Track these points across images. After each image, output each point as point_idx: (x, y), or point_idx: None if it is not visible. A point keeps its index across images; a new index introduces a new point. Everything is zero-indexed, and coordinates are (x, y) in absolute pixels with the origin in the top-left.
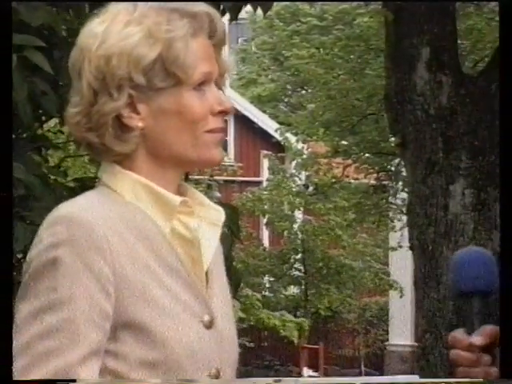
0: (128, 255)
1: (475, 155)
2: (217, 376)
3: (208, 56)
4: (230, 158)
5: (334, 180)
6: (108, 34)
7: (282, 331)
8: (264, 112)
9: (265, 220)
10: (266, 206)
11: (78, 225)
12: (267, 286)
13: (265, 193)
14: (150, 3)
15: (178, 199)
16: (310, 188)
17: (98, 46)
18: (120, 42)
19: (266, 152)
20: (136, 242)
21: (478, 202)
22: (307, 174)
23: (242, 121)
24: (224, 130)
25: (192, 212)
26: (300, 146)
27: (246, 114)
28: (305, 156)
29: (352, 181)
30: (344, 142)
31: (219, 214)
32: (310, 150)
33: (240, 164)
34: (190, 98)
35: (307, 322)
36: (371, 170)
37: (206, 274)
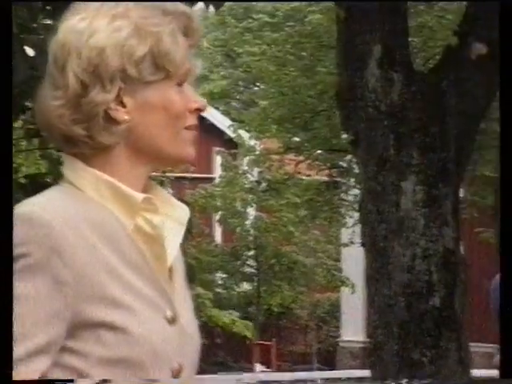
0: (89, 254)
1: (426, 152)
2: (179, 371)
3: (187, 54)
4: None
5: (286, 177)
6: (94, 28)
7: (233, 327)
8: (216, 109)
9: (217, 216)
10: (218, 203)
11: (38, 224)
12: (219, 282)
13: (217, 189)
14: (130, 2)
15: (140, 196)
16: (263, 184)
17: (87, 39)
18: (112, 34)
19: (218, 148)
20: (98, 240)
21: (428, 198)
22: (259, 170)
23: None
24: (197, 128)
25: (156, 209)
26: (253, 142)
27: None
28: (257, 152)
29: (304, 177)
30: (296, 139)
31: (184, 213)
32: (262, 146)
33: None
34: (174, 94)
35: (252, 323)
36: (323, 167)
37: (169, 270)
